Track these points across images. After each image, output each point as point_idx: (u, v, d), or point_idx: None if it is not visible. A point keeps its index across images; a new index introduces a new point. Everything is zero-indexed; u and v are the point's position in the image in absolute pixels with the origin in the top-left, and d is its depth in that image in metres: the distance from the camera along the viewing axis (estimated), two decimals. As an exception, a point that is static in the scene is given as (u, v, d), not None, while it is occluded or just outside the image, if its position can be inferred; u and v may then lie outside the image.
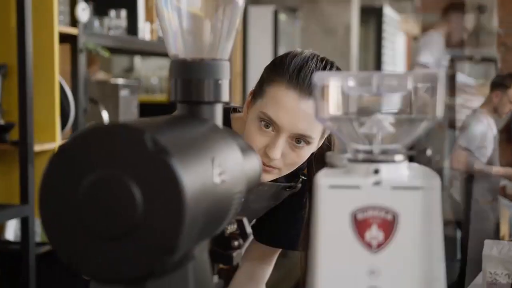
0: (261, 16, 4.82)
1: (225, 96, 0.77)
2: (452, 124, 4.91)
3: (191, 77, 0.75)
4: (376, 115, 0.67)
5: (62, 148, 0.60)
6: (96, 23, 2.95)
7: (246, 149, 0.81)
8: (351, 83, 0.65)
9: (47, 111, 2.45)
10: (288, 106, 1.20)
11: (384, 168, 0.64)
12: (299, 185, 1.41)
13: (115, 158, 0.58)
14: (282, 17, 5.00)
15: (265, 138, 1.24)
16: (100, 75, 4.49)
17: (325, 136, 1.32)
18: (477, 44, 9.54)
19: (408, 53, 9.76)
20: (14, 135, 2.38)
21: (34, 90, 2.38)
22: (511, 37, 10.13)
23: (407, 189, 0.63)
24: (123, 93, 3.08)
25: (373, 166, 0.64)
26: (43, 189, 0.60)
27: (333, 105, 0.66)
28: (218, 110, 0.77)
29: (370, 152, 0.67)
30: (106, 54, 2.74)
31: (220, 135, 0.72)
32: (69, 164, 0.59)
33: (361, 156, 0.67)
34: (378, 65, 7.54)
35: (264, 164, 1.24)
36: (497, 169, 4.73)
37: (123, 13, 3.07)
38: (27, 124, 2.30)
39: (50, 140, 2.45)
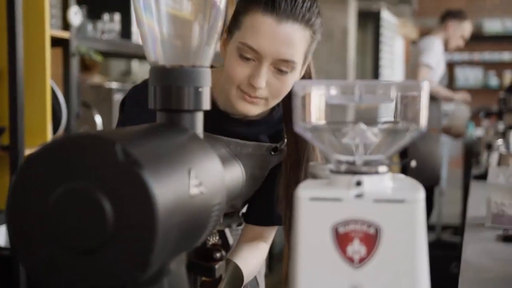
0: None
1: (206, 104, 0.75)
2: (446, 130, 4.88)
3: (171, 84, 0.73)
4: (359, 125, 0.65)
5: (30, 158, 0.58)
6: (90, 26, 2.92)
7: (228, 158, 0.78)
8: (333, 92, 0.63)
9: (39, 115, 2.42)
10: (267, 31, 1.19)
11: (366, 180, 0.62)
12: (284, 147, 1.38)
13: (85, 169, 0.56)
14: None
15: (247, 69, 1.22)
16: (97, 79, 4.47)
17: (307, 62, 1.30)
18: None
19: (406, 57, 9.74)
20: (4, 139, 2.36)
21: (25, 94, 2.35)
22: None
23: (390, 202, 0.60)
24: (117, 97, 3.05)
25: (356, 178, 0.62)
26: (10, 200, 0.58)
27: (315, 114, 0.64)
28: (199, 118, 0.75)
29: (353, 163, 0.64)
30: (98, 58, 2.72)
31: (199, 145, 0.70)
32: (38, 175, 0.57)
33: (343, 167, 0.64)
34: (376, 69, 7.52)
35: (249, 95, 1.23)
36: (459, 96, 4.73)
37: (117, 16, 3.05)
38: (17, 129, 2.27)
39: (41, 144, 2.42)
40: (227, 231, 0.84)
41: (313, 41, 1.26)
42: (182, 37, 0.75)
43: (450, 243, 4.65)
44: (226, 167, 0.74)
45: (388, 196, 0.61)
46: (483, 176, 2.72)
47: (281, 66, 1.22)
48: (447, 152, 5.84)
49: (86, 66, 3.98)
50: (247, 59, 1.22)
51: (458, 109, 4.83)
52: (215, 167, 0.69)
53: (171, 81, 0.73)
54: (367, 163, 0.64)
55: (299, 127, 0.64)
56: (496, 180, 1.79)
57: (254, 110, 1.26)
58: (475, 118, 9.75)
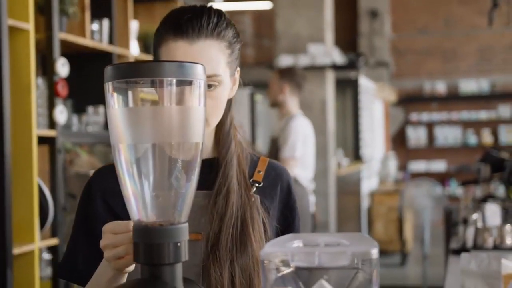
0: (238, 99, 4.93)
1: (184, 256, 0.84)
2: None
3: (152, 242, 0.82)
4: (320, 282, 0.73)
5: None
6: (75, 119, 3.02)
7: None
8: (296, 257, 0.72)
9: (26, 214, 2.49)
10: (181, 54, 1.21)
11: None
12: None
13: None
14: (258, 97, 5.13)
15: None
16: (84, 159, 4.52)
17: (236, 72, 1.30)
18: (370, 49, 9.80)
19: (386, 118, 9.94)
20: (-8, 238, 2.41)
21: (13, 192, 2.42)
22: (403, 42, 10.49)
23: None
24: (102, 185, 3.12)
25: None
26: None
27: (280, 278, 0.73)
28: (178, 269, 0.83)
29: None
30: (83, 153, 2.81)
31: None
32: None
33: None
34: (356, 135, 7.67)
35: None
36: None
37: (101, 109, 3.16)
38: (5, 229, 2.34)
39: (29, 241, 2.49)
40: None
41: (232, 50, 1.27)
42: (162, 198, 0.84)
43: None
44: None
45: None
46: (461, 251, 2.78)
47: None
48: (429, 216, 5.93)
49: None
50: None
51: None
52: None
53: (153, 239, 0.82)
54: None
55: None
56: (468, 266, 1.87)
57: None
58: (456, 175, 9.91)
